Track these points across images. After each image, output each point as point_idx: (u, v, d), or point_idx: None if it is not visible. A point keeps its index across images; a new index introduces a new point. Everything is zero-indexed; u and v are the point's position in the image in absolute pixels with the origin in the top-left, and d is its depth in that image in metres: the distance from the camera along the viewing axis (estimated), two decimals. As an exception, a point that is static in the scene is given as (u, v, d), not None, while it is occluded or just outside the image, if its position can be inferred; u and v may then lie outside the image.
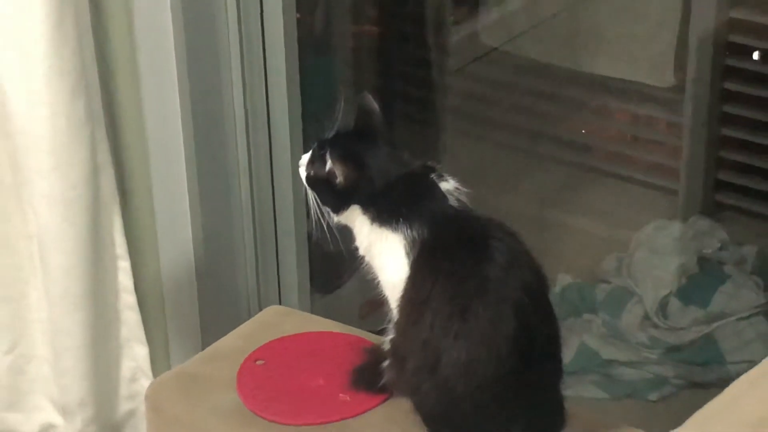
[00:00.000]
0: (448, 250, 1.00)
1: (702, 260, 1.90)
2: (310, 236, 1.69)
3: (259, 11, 1.60)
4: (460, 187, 1.00)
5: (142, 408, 1.51)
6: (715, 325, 1.77)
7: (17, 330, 1.60)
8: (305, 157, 1.06)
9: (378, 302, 1.09)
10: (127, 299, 1.60)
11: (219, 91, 1.65)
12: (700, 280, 1.87)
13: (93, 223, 1.59)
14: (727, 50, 2.02)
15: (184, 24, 1.54)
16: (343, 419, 1.11)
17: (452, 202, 1.01)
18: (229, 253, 1.76)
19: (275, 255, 1.75)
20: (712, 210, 2.10)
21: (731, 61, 2.02)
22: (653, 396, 1.79)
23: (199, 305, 1.69)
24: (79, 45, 1.44)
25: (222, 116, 1.66)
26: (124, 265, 1.60)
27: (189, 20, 1.55)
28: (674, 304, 1.83)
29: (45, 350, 1.63)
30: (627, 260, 1.95)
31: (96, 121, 1.54)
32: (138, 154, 1.69)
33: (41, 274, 1.64)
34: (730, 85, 2.00)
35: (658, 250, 1.91)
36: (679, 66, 2.08)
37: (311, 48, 1.90)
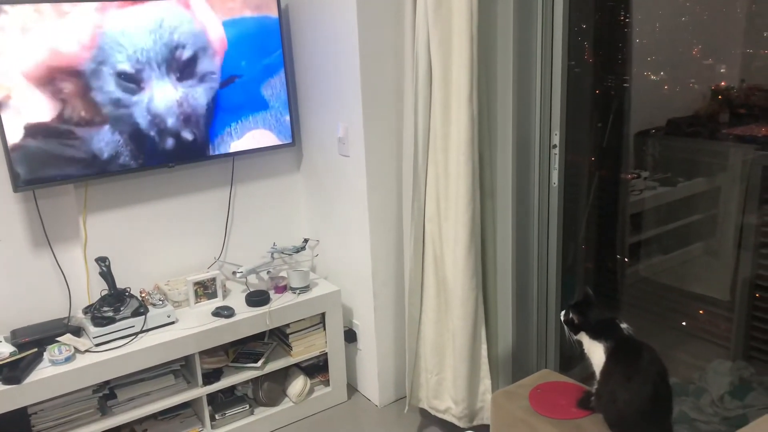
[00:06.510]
0: (623, 353, 1.52)
1: (741, 379, 2.38)
2: (563, 343, 2.41)
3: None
4: (629, 327, 1.56)
5: (487, 405, 2.41)
6: (746, 410, 2.25)
7: (440, 362, 2.46)
8: (563, 312, 1.71)
9: (590, 374, 1.67)
10: (486, 361, 2.38)
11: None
12: (739, 388, 2.34)
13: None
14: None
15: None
16: (574, 418, 1.67)
17: (626, 332, 1.55)
18: (529, 352, 2.52)
19: (545, 351, 2.55)
20: (746, 357, 2.53)
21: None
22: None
23: (512, 365, 2.53)
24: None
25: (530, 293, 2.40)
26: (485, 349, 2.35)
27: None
28: (726, 397, 2.32)
29: (450, 374, 2.43)
30: (703, 374, 2.47)
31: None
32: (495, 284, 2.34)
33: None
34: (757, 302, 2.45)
35: (718, 372, 2.42)
36: (732, 290, 2.59)
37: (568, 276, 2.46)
